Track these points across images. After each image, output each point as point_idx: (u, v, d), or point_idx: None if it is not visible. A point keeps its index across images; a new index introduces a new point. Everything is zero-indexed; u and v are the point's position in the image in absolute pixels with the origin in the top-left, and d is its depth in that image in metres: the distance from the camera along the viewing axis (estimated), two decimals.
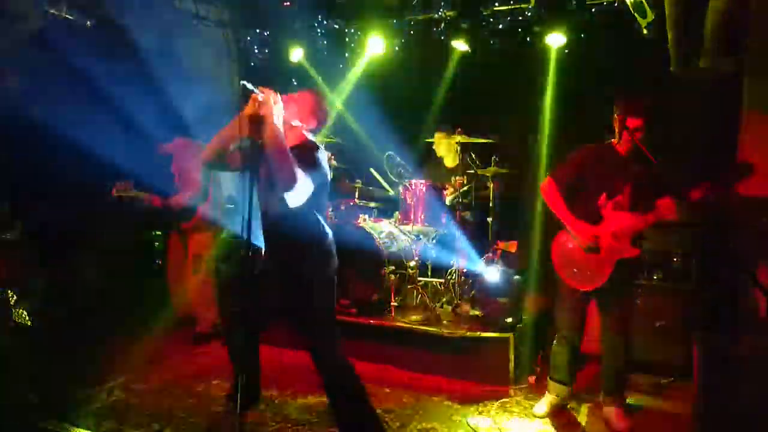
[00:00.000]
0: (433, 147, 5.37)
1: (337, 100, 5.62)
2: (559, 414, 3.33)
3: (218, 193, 4.80)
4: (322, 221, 2.79)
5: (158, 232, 5.78)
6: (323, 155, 2.73)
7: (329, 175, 2.82)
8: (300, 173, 2.43)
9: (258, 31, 6.03)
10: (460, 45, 5.17)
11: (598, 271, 3.11)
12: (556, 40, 4.92)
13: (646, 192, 3.08)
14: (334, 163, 5.03)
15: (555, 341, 3.39)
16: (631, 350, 3.20)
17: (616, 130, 3.16)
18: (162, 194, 4.55)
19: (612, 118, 3.20)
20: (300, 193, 2.46)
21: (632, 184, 3.09)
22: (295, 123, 2.72)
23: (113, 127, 4.93)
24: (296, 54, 5.70)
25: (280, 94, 2.59)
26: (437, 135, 5.25)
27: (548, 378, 3.44)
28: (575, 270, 3.19)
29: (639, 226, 3.04)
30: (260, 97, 2.43)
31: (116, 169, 4.62)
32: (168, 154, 4.76)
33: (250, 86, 2.39)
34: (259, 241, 2.78)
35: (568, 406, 3.43)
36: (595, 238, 3.10)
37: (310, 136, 2.82)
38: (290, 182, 2.40)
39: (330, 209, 4.89)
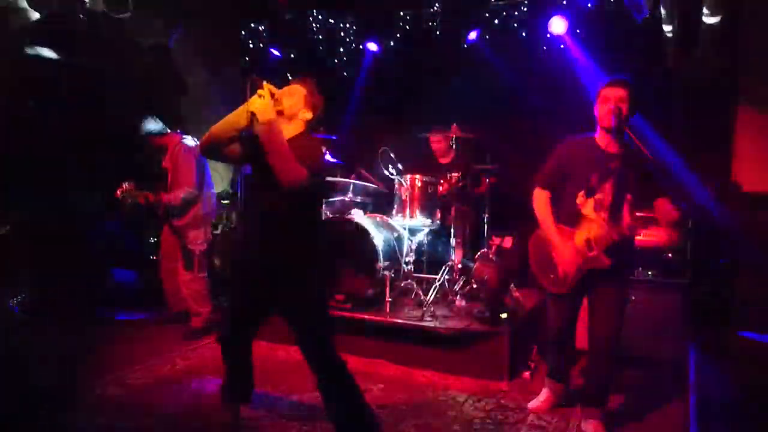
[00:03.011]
0: (430, 144, 5.36)
1: None
2: (553, 410, 3.32)
3: (208, 190, 4.76)
4: (316, 214, 2.79)
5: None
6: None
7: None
8: (304, 170, 2.43)
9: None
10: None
11: (571, 277, 2.97)
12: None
13: (624, 191, 2.87)
14: (328, 157, 4.99)
15: (548, 339, 3.39)
16: (612, 363, 3.00)
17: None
18: (157, 191, 4.49)
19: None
20: (305, 188, 2.47)
21: (613, 181, 2.87)
22: (303, 115, 2.71)
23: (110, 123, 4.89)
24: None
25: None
26: (433, 132, 5.23)
27: (545, 375, 3.44)
28: (549, 273, 3.06)
29: (613, 236, 2.84)
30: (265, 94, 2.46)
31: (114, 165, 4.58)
32: (162, 147, 4.69)
33: (259, 81, 2.44)
34: (252, 234, 2.76)
35: (564, 403, 3.43)
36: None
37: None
38: (296, 181, 2.41)
39: (324, 204, 4.86)
